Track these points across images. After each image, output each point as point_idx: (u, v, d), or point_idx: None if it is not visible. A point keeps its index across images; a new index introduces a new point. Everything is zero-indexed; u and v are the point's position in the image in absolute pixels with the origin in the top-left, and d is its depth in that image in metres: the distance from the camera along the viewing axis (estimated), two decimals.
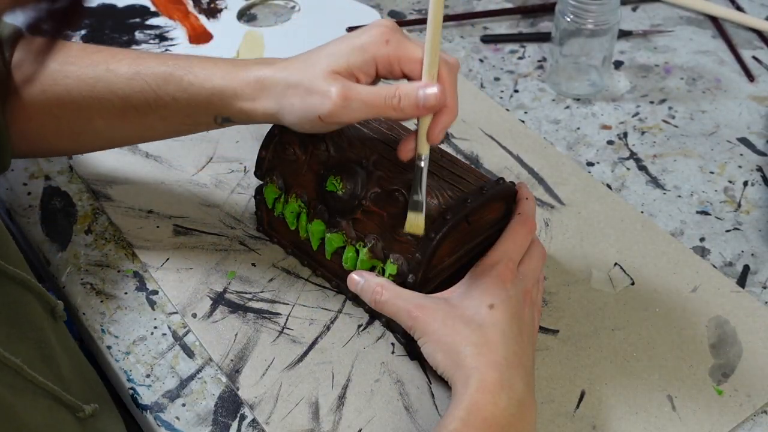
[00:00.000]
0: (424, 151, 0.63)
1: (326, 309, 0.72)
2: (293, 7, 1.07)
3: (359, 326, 0.71)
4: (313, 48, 0.66)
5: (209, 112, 0.69)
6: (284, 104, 0.64)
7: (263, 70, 0.66)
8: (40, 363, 0.57)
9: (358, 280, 0.66)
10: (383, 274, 0.66)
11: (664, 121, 0.91)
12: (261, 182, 0.74)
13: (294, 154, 0.70)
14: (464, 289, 0.64)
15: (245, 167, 0.84)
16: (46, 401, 0.56)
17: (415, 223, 0.63)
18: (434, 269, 0.66)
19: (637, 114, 0.92)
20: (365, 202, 0.67)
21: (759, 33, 1.03)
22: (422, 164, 0.63)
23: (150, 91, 0.69)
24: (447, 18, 1.03)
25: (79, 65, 0.71)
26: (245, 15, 1.06)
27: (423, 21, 1.02)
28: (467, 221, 0.66)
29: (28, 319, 0.59)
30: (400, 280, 0.65)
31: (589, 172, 0.85)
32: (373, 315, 0.71)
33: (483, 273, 0.64)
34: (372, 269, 0.67)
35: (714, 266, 0.76)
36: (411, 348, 0.68)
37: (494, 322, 0.61)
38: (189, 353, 0.70)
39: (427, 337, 0.62)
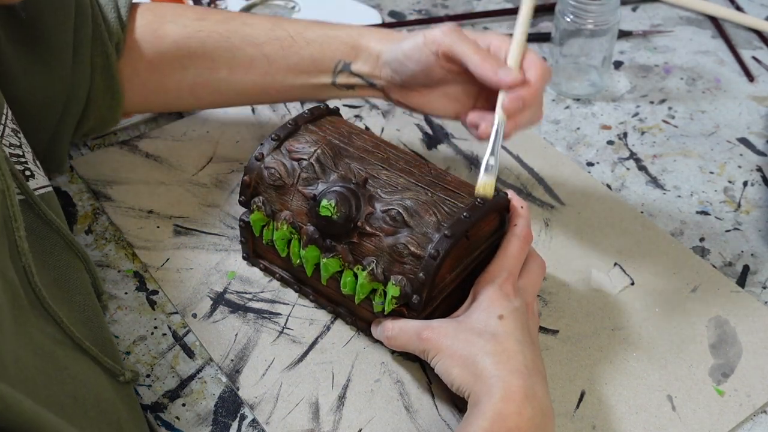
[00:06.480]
0: (499, 118, 0.69)
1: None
2: (293, 7, 1.07)
3: None
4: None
5: (335, 57, 0.76)
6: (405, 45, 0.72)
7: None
8: (81, 326, 0.58)
9: (374, 327, 0.68)
10: (384, 297, 0.65)
11: (664, 121, 0.91)
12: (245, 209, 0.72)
13: (280, 179, 0.68)
14: (468, 306, 0.64)
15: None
16: (84, 358, 0.56)
17: (487, 184, 0.66)
18: (437, 287, 0.65)
19: (636, 114, 0.92)
20: (361, 224, 0.65)
21: (759, 33, 1.03)
22: (496, 129, 0.68)
23: (287, 38, 0.76)
24: (447, 18, 1.03)
25: (210, 20, 0.78)
26: None
27: (423, 21, 1.02)
28: (466, 237, 0.65)
29: (76, 284, 0.61)
30: (403, 301, 0.64)
31: (589, 172, 0.85)
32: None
33: (485, 289, 0.64)
34: (372, 292, 0.65)
35: (714, 266, 0.76)
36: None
37: (507, 331, 0.61)
38: (189, 353, 0.70)
39: (440, 354, 0.61)
